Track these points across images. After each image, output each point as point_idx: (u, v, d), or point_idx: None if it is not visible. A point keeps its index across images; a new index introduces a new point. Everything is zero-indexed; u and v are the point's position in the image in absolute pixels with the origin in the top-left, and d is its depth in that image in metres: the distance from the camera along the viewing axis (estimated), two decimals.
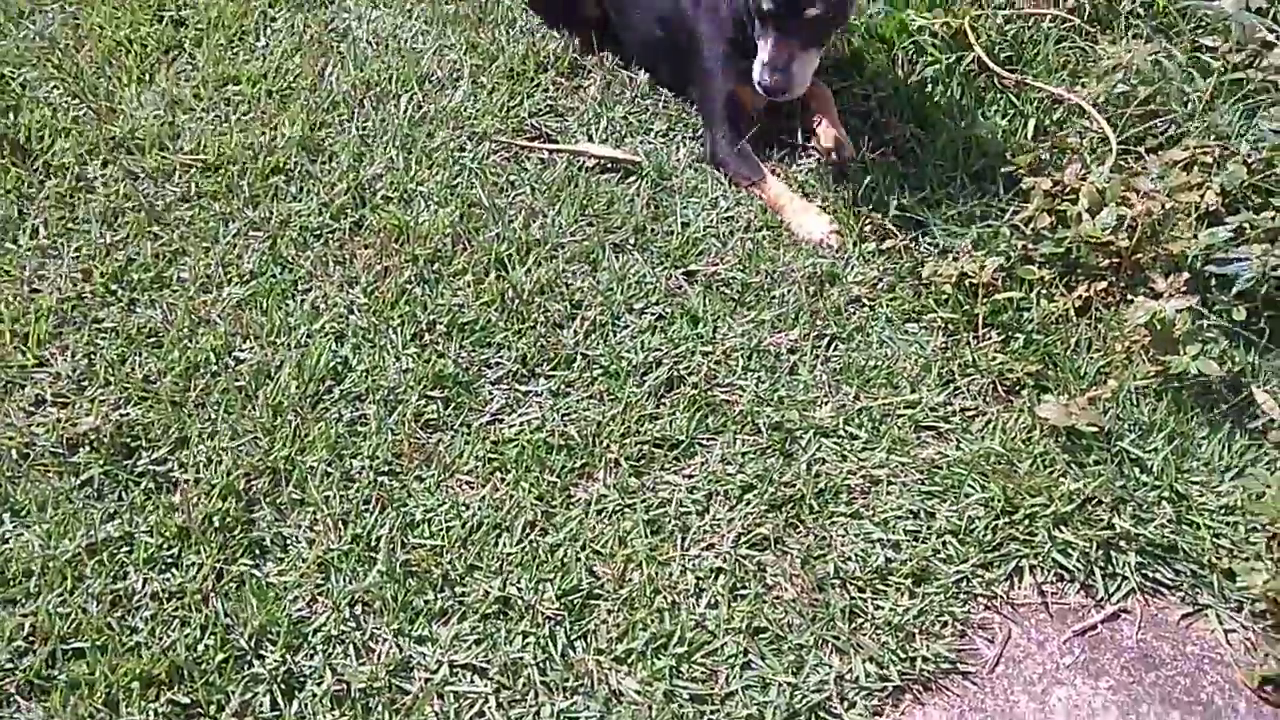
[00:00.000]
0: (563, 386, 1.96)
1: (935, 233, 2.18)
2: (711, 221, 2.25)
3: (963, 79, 2.38)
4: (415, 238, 2.19)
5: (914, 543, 1.72)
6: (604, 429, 1.88)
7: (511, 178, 2.36)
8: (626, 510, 1.77)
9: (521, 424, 1.90)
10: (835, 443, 1.87)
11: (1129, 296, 1.97)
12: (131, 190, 2.27)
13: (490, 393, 1.95)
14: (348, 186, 2.30)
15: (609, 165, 2.39)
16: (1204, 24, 2.33)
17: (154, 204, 2.25)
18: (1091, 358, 1.94)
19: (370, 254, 2.17)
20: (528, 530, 1.74)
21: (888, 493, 1.79)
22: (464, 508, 1.76)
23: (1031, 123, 2.29)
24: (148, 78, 2.58)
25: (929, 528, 1.74)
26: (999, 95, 2.39)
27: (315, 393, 1.92)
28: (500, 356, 2.01)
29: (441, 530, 1.73)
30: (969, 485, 1.78)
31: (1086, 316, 1.99)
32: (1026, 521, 1.74)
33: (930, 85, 2.40)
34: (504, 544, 1.71)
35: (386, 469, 1.82)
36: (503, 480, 1.81)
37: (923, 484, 1.80)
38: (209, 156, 2.35)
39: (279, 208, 2.26)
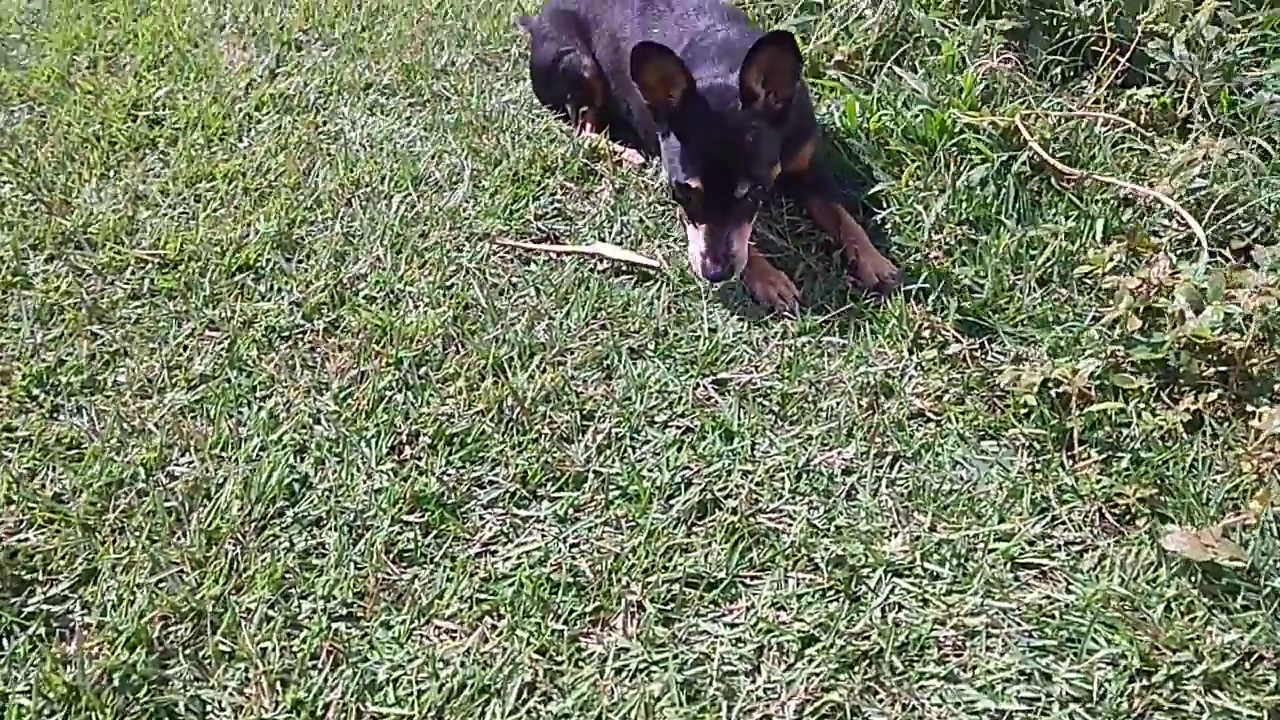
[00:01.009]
0: (571, 511, 1.59)
1: (1004, 339, 1.88)
2: (743, 329, 1.95)
3: (1016, 179, 2.14)
4: (400, 339, 1.87)
5: (1031, 713, 1.32)
6: (623, 563, 1.51)
7: (514, 279, 2.07)
8: (654, 669, 1.37)
9: (519, 556, 1.52)
10: (913, 583, 1.49)
11: (1247, 407, 1.65)
12: (74, 286, 1.97)
13: (481, 517, 1.58)
14: (325, 285, 2.00)
15: (624, 268, 2.11)
16: (1273, 124, 2.13)
17: (98, 301, 1.94)
18: (1215, 479, 1.59)
19: (346, 357, 1.85)
20: (525, 695, 1.33)
21: (988, 648, 1.39)
22: (442, 664, 1.36)
23: (1100, 224, 2.03)
24: (111, 173, 2.33)
25: (1047, 694, 1.34)
26: (1057, 197, 2.14)
27: (263, 516, 1.55)
28: (495, 474, 1.65)
29: (411, 694, 1.32)
30: (1091, 638, 1.39)
31: (1199, 432, 1.66)
32: (1171, 684, 1.34)
33: (981, 186, 2.16)
34: (494, 713, 1.30)
35: (345, 612, 1.43)
36: (494, 628, 1.42)
37: (1032, 636, 1.41)
38: (169, 252, 2.07)
39: (243, 307, 1.95)
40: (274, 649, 1.36)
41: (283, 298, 1.98)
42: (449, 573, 1.49)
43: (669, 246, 2.16)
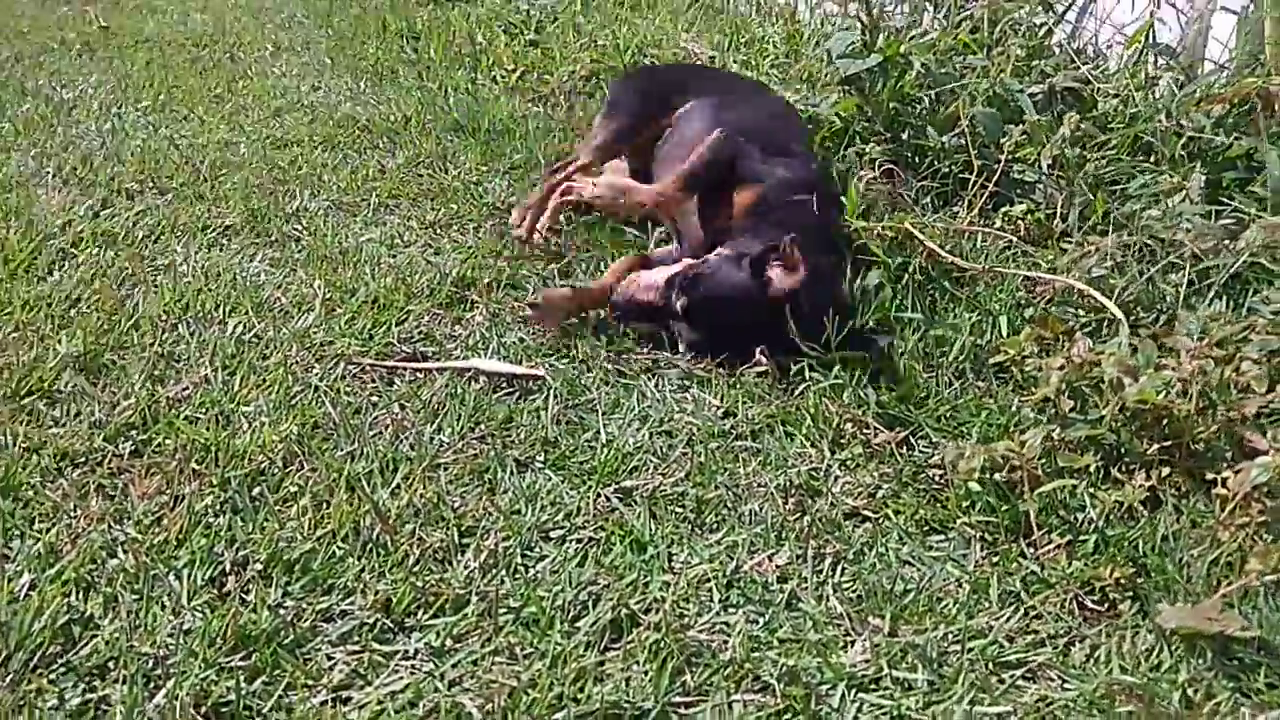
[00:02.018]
0: (449, 641, 1.25)
1: (930, 433, 1.70)
2: (643, 438, 1.70)
3: (912, 281, 2.05)
4: (227, 458, 1.53)
5: None
6: (520, 699, 1.16)
7: (374, 398, 1.77)
8: None
9: (381, 701, 1.15)
10: (883, 696, 1.20)
11: (1207, 475, 1.50)
12: None
13: (329, 657, 1.21)
14: (136, 406, 1.65)
15: (505, 383, 1.85)
16: (1152, 225, 2.14)
17: None
18: (1193, 554, 1.41)
19: (156, 481, 1.48)
20: None
21: None
22: None
23: (1003, 320, 1.94)
24: None
25: None
26: (955, 300, 2.06)
27: (24, 666, 1.13)
28: (349, 604, 1.29)
29: None
30: None
31: (1159, 509, 1.49)
32: None
33: (877, 291, 2.05)
34: None
35: None
36: None
37: None
38: None
39: (28, 433, 1.57)
40: None
41: (80, 422, 1.61)
42: None
43: (554, 365, 1.92)
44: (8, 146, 2.98)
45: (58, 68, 3.95)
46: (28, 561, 1.29)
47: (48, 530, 1.36)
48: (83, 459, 1.53)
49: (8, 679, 1.12)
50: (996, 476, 1.52)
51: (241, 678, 1.15)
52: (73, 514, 1.40)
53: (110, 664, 1.16)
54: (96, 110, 3.39)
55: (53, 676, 1.13)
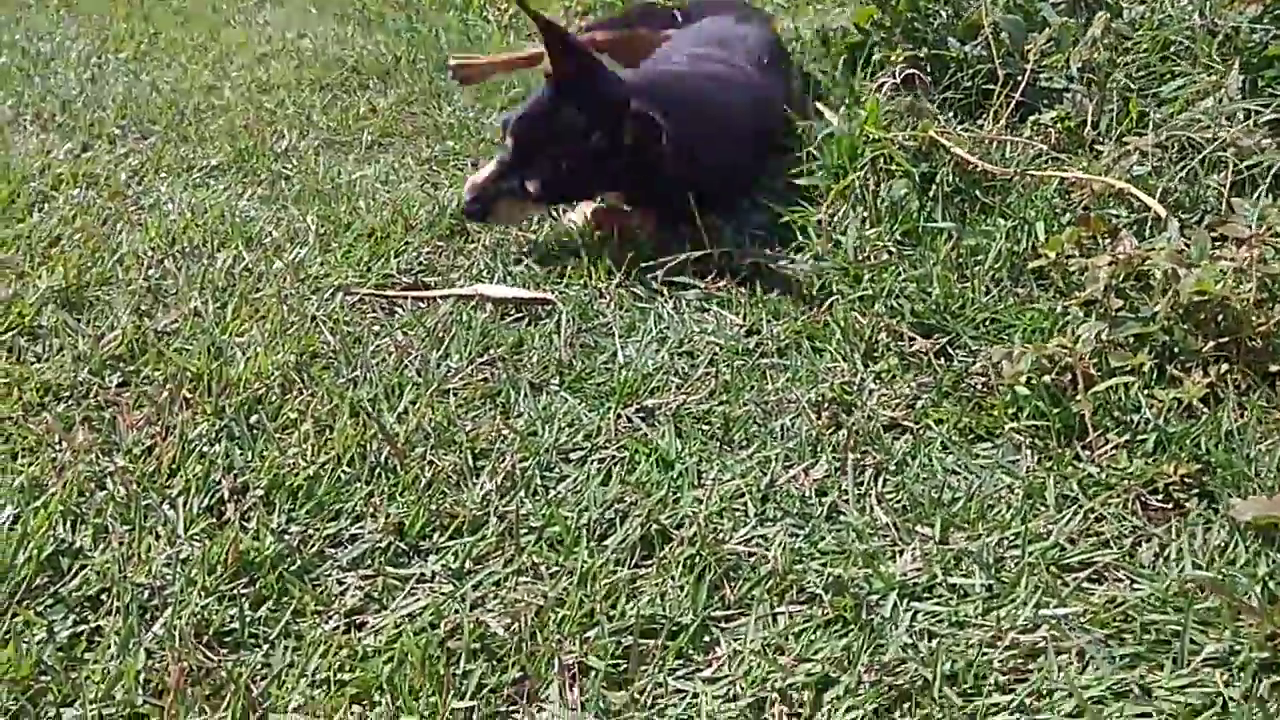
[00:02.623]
0: (469, 563, 1.15)
1: (967, 341, 1.60)
2: (663, 359, 1.60)
3: (940, 191, 1.94)
4: (223, 385, 1.43)
5: None
6: (548, 617, 1.07)
7: (375, 327, 1.67)
8: None
9: (399, 624, 1.06)
10: (939, 604, 1.11)
11: (1270, 367, 1.40)
12: None
13: (340, 582, 1.12)
14: (123, 338, 1.55)
15: (513, 310, 1.75)
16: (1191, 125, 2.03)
17: None
18: (1262, 448, 1.31)
19: (146, 411, 1.38)
20: None
21: (1060, 667, 1.01)
22: None
23: (1040, 226, 1.83)
24: None
25: (1158, 710, 0.96)
26: (985, 210, 1.94)
27: (8, 599, 1.04)
28: (358, 529, 1.20)
29: None
30: (1192, 636, 1.03)
31: (1221, 405, 1.39)
32: None
33: (904, 201, 1.94)
34: None
35: (127, 717, 0.92)
36: (368, 715, 0.94)
37: (1112, 644, 1.04)
38: None
39: (9, 369, 1.47)
40: None
41: (64, 355, 1.51)
42: (293, 654, 1.01)
43: (564, 291, 1.82)
44: None
45: (35, 23, 3.82)
46: (10, 494, 1.20)
47: (31, 463, 1.27)
48: (67, 393, 1.43)
49: None
50: (1046, 379, 1.42)
51: (245, 605, 1.06)
52: (58, 447, 1.30)
53: (102, 595, 1.07)
54: (75, 61, 3.27)
55: (39, 609, 1.04)
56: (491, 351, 1.60)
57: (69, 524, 1.16)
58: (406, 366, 1.53)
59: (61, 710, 0.94)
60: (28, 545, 1.10)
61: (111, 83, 2.99)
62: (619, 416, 1.45)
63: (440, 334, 1.64)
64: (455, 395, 1.48)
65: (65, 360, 1.49)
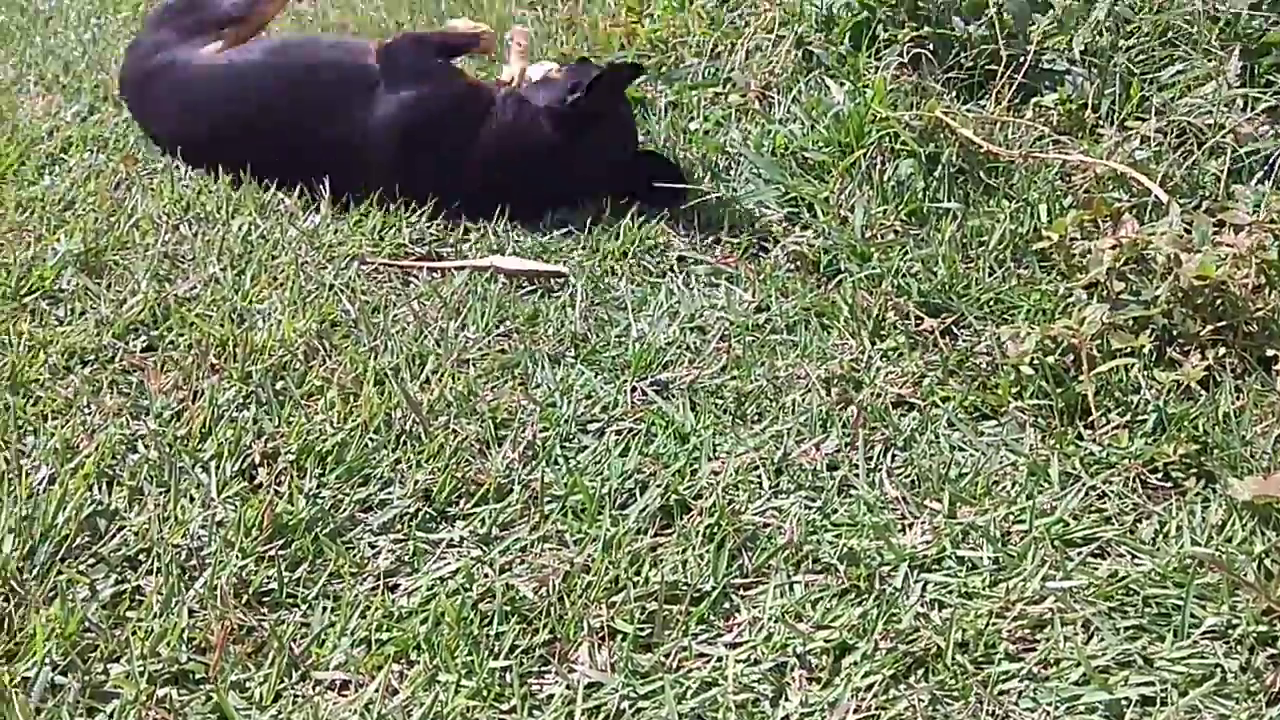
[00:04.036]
0: (495, 530, 1.19)
1: (972, 321, 1.64)
2: (674, 334, 1.63)
3: (945, 171, 1.98)
4: (248, 351, 1.45)
5: (1149, 706, 0.99)
6: (575, 582, 1.11)
7: (392, 296, 1.70)
8: (643, 704, 0.96)
9: (432, 586, 1.10)
10: (949, 575, 1.16)
11: (1268, 351, 1.45)
12: None
13: (373, 545, 1.16)
14: (144, 303, 1.57)
15: (526, 282, 1.78)
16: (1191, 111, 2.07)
17: None
18: (1259, 430, 1.36)
19: (173, 376, 1.41)
20: None
21: (1066, 637, 1.06)
22: None
23: (1043, 208, 1.87)
24: None
25: (1161, 679, 1.01)
26: (989, 191, 1.98)
27: (50, 558, 1.07)
28: (388, 494, 1.23)
29: None
30: (1192, 609, 1.08)
31: (1219, 388, 1.44)
32: None
33: (909, 181, 1.98)
34: None
35: (175, 671, 0.96)
36: (404, 676, 0.98)
37: (1116, 617, 1.09)
38: None
39: (33, 330, 1.49)
40: None
41: (87, 319, 1.53)
42: (330, 614, 1.05)
43: (577, 263, 1.84)
44: None
45: None
46: (44, 455, 1.23)
47: (63, 425, 1.29)
48: (92, 356, 1.45)
49: (35, 570, 1.05)
50: (1050, 360, 1.46)
51: (282, 566, 1.10)
52: (87, 410, 1.33)
53: (141, 555, 1.10)
54: (75, 20, 3.23)
55: (82, 567, 1.07)
56: (507, 323, 1.63)
57: (104, 485, 1.19)
58: (425, 336, 1.56)
59: (109, 666, 0.97)
60: (66, 505, 1.13)
61: (113, 43, 2.96)
62: (634, 389, 1.48)
63: (457, 305, 1.66)
64: (474, 365, 1.51)
65: (88, 324, 1.51)
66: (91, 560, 1.08)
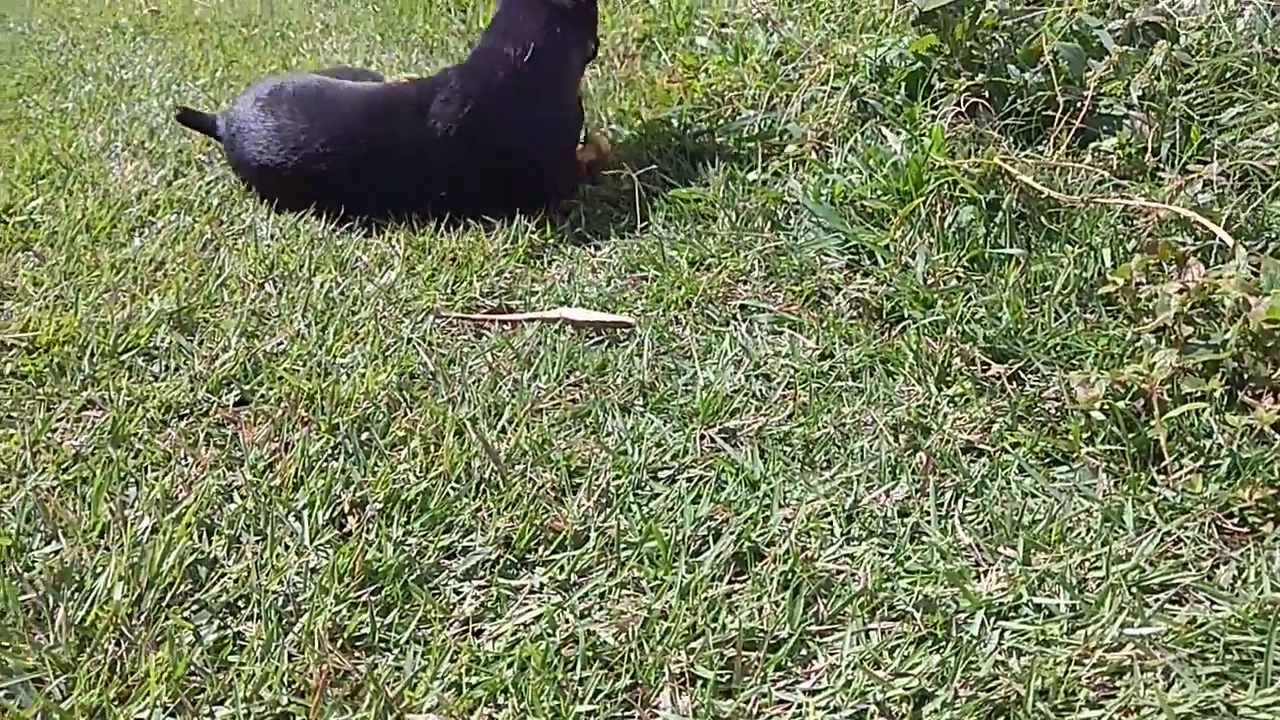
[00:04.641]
0: (573, 576, 1.23)
1: (1040, 367, 1.65)
2: (740, 381, 1.66)
3: (1006, 218, 1.99)
4: (333, 404, 1.52)
5: None
6: (656, 628, 1.13)
7: (466, 349, 1.76)
8: None
9: (516, 632, 1.13)
10: (1026, 623, 1.16)
11: None
12: None
13: (458, 591, 1.20)
14: (235, 359, 1.64)
15: (594, 333, 1.83)
16: (1253, 154, 2.07)
17: None
18: None
19: (265, 428, 1.47)
20: None
21: (1146, 684, 1.06)
22: None
23: (1106, 253, 1.88)
24: None
25: None
26: (1051, 237, 1.99)
27: (156, 605, 1.13)
28: (470, 541, 1.28)
29: None
30: (1275, 656, 1.08)
31: None
32: None
33: (969, 228, 2.00)
34: None
35: (275, 715, 1.00)
36: (495, 717, 1.01)
37: (1196, 664, 1.09)
38: (41, 335, 1.68)
39: (130, 386, 1.57)
40: None
41: (181, 375, 1.61)
42: (421, 658, 1.09)
43: (642, 311, 1.89)
44: (75, 124, 3.01)
45: (114, 50, 3.99)
46: (146, 506, 1.29)
47: (162, 477, 1.36)
48: (187, 410, 1.53)
49: (142, 616, 1.11)
50: (1120, 405, 1.47)
51: (374, 611, 1.14)
52: (185, 462, 1.40)
53: (240, 602, 1.16)
54: (156, 88, 3.41)
55: (186, 614, 1.13)
56: (577, 373, 1.68)
57: (204, 534, 1.25)
58: (500, 387, 1.61)
59: (214, 709, 1.02)
60: (171, 554, 1.19)
61: (193, 109, 3.11)
62: (703, 437, 1.51)
63: (528, 356, 1.72)
64: (547, 415, 1.55)
65: (183, 380, 1.59)
66: (195, 606, 1.14)
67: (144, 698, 1.01)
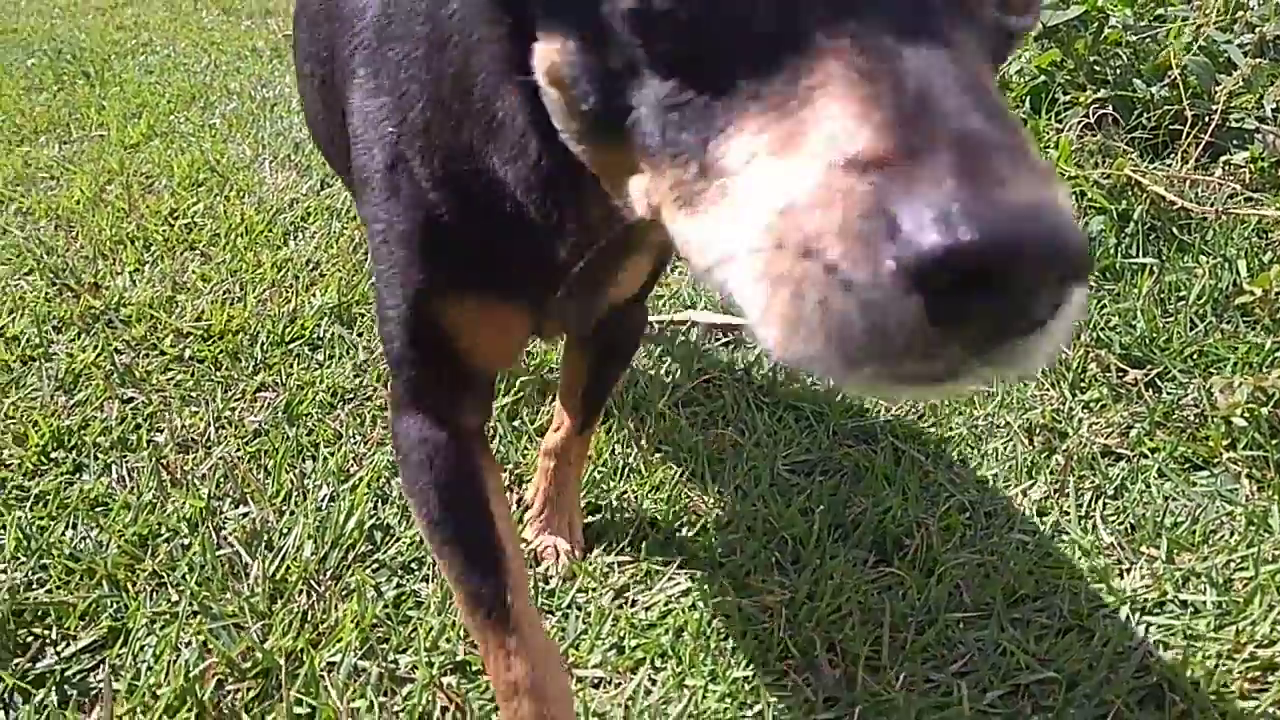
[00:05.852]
0: (717, 555, 1.28)
1: (1176, 374, 1.65)
2: None
3: (1138, 228, 1.99)
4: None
5: None
6: (804, 607, 1.18)
7: None
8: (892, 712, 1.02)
9: (668, 601, 1.19)
10: (1171, 618, 1.17)
11: None
12: (103, 359, 1.71)
13: (608, 564, 1.27)
14: None
15: (718, 335, 1.89)
16: None
17: (130, 368, 1.68)
18: None
19: None
20: None
21: None
22: (596, 718, 1.01)
23: (1241, 264, 1.86)
24: (145, 267, 2.13)
25: None
26: (1182, 248, 1.98)
27: (340, 563, 1.23)
28: (618, 518, 1.34)
29: None
30: None
31: None
32: None
33: (1100, 238, 2.00)
34: None
35: (456, 663, 1.08)
36: (654, 679, 1.07)
37: None
38: (214, 324, 1.83)
39: (299, 372, 1.69)
40: (370, 708, 1.01)
41: (344, 363, 1.72)
42: (582, 621, 1.16)
43: None
44: (224, 138, 3.21)
45: (254, 71, 4.24)
46: (324, 476, 1.40)
47: (335, 452, 1.47)
48: (352, 394, 1.64)
49: (329, 571, 1.21)
50: (1263, 411, 1.46)
51: (537, 578, 1.22)
52: (353, 440, 1.50)
53: (414, 564, 1.24)
54: (296, 107, 3.61)
55: (367, 572, 1.22)
56: (707, 371, 1.74)
57: (377, 503, 1.35)
58: (637, 381, 1.69)
59: (398, 656, 1.10)
60: (352, 517, 1.29)
61: None
62: (834, 434, 1.56)
63: (661, 355, 1.79)
64: (683, 409, 1.62)
65: (346, 367, 1.71)
66: (375, 565, 1.23)
67: (335, 644, 1.10)
